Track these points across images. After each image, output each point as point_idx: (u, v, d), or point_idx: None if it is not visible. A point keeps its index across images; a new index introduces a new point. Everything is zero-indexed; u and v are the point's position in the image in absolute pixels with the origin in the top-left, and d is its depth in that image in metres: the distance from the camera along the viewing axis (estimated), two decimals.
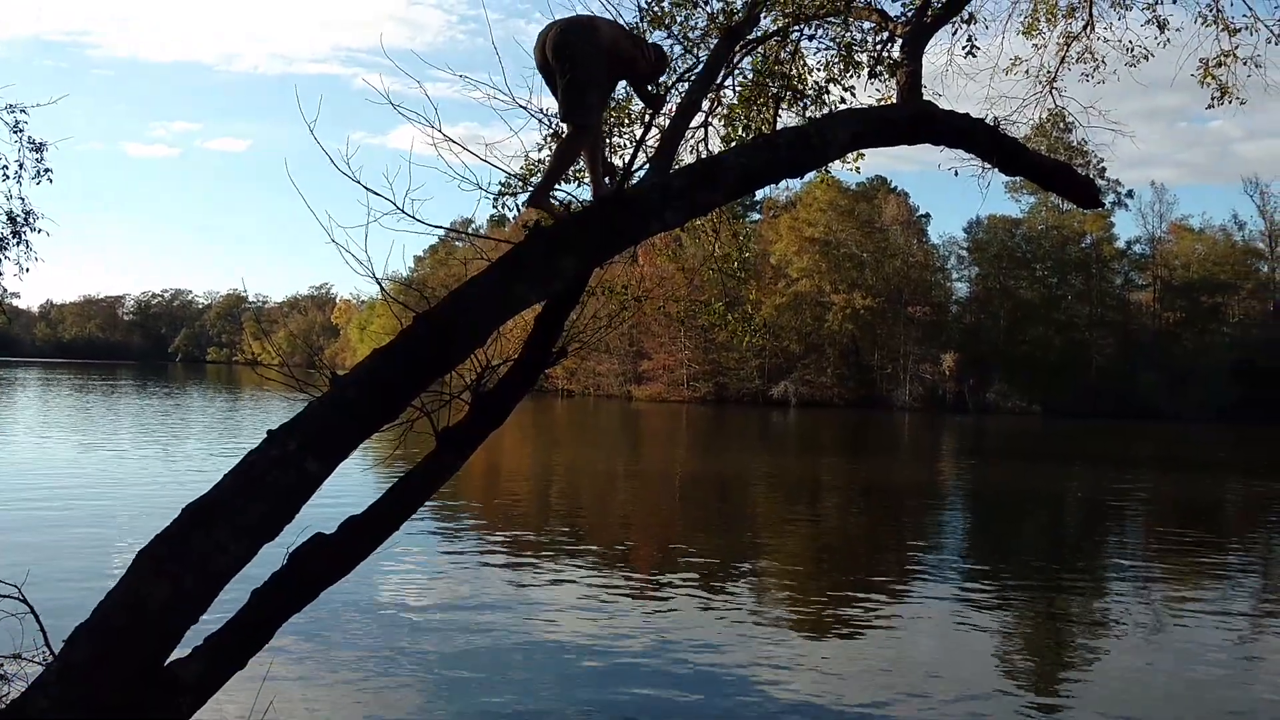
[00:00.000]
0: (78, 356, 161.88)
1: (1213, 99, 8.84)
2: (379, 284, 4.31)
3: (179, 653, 3.22)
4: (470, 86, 4.97)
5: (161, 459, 24.67)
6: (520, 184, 6.09)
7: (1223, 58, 8.67)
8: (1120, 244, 78.54)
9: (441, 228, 4.77)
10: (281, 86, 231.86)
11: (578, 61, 4.31)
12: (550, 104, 5.11)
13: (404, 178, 4.25)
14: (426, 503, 4.23)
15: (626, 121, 6.20)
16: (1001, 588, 13.50)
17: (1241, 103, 8.79)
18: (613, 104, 6.16)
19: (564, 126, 4.62)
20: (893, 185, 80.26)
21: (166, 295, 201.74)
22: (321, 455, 3.44)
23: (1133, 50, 8.90)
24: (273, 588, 3.44)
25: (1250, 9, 8.21)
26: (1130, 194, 78.76)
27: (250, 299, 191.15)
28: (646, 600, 11.78)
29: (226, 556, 3.24)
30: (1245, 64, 8.54)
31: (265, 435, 3.44)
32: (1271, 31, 8.11)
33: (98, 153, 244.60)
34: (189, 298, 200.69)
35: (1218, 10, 8.38)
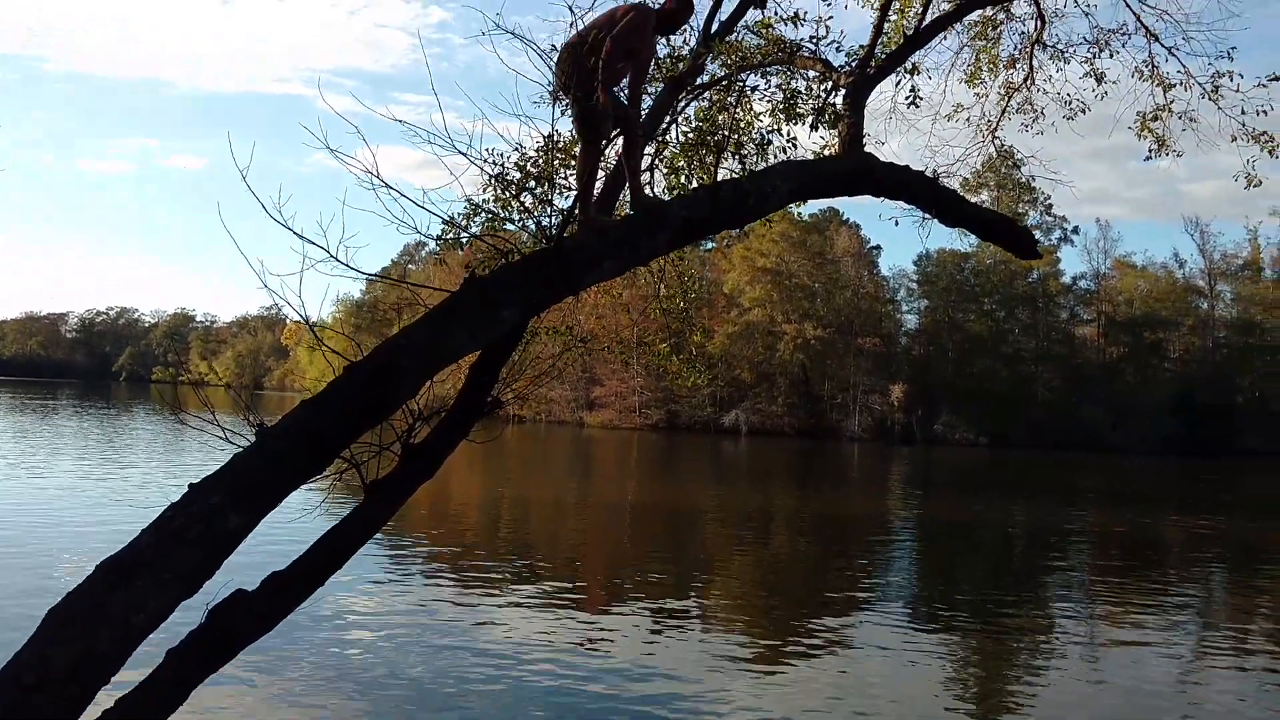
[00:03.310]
0: (17, 374, 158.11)
1: (1150, 151, 9.07)
2: (312, 331, 4.25)
3: (92, 712, 3.13)
4: (440, 105, 4.96)
5: (95, 483, 24.11)
6: (463, 224, 6.07)
7: (1159, 111, 8.90)
8: (1066, 279, 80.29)
9: (375, 275, 4.74)
10: (243, 105, 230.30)
11: (571, 83, 4.67)
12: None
13: (368, 200, 4.25)
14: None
15: (568, 166, 6.19)
16: (948, 618, 13.62)
17: (1178, 155, 9.02)
18: (558, 144, 6.18)
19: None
20: (844, 217, 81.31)
21: (112, 313, 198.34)
22: (245, 509, 3.37)
23: (1070, 103, 9.11)
24: (190, 646, 3.36)
25: (1183, 66, 8.43)
26: (1076, 230, 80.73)
27: (199, 318, 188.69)
28: (596, 630, 11.72)
29: (142, 615, 3.16)
30: (1180, 118, 8.77)
31: (186, 488, 3.38)
32: (1204, 88, 8.33)
33: (49, 167, 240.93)
34: (135, 316, 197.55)
35: (1153, 66, 8.61)
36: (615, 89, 4.94)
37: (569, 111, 5.21)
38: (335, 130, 4.32)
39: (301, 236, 3.96)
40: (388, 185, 4.24)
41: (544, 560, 17.06)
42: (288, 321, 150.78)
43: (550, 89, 5.01)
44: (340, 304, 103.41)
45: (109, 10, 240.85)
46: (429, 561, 16.10)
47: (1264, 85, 8.10)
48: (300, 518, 4.65)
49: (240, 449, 3.53)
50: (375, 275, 4.84)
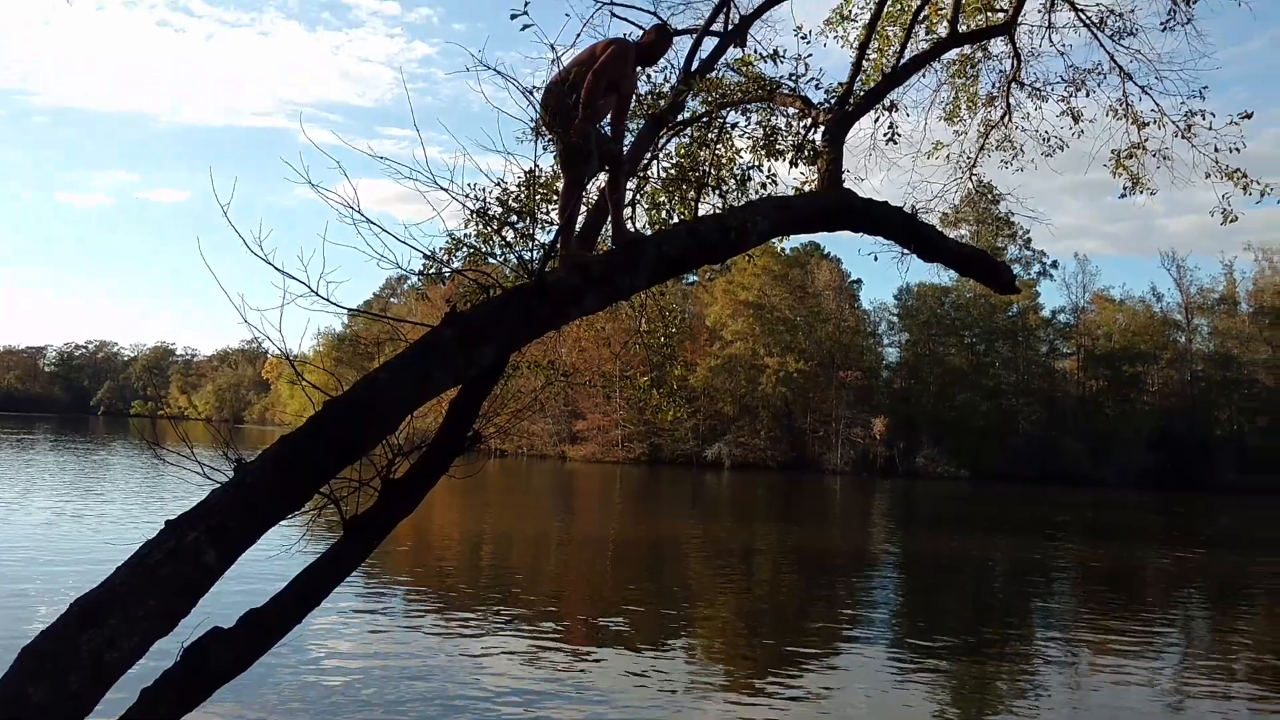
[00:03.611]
0: None
1: (1125, 189, 9.19)
2: (292, 365, 4.24)
3: None
4: (422, 141, 4.99)
5: (71, 519, 23.84)
6: (445, 258, 6.08)
7: (1133, 149, 9.03)
8: (1045, 313, 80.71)
9: (356, 310, 4.73)
10: (225, 138, 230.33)
11: (555, 122, 4.76)
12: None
13: (350, 234, 4.25)
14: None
15: (550, 201, 6.22)
16: (931, 651, 13.57)
17: (1152, 193, 9.15)
18: (539, 179, 6.21)
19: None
20: (825, 252, 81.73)
21: (90, 347, 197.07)
22: (221, 546, 3.35)
23: (1049, 140, 9.24)
24: (164, 685, 3.32)
25: (1157, 104, 8.57)
26: (1055, 265, 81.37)
27: (179, 352, 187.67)
28: (578, 666, 11.65)
29: (116, 654, 3.12)
30: (1155, 156, 8.91)
31: (163, 524, 3.35)
32: (1177, 126, 8.47)
33: (28, 201, 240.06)
34: (114, 349, 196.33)
35: (1127, 104, 8.75)
36: (599, 125, 4.99)
37: (551, 147, 5.27)
38: (319, 164, 4.34)
39: (282, 271, 3.96)
40: (368, 220, 4.26)
41: (525, 595, 16.94)
42: (269, 355, 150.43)
43: (532, 125, 5.06)
44: (322, 338, 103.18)
45: (92, 44, 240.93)
46: (409, 598, 15.96)
47: (1236, 123, 8.24)
48: (279, 554, 4.62)
49: (218, 484, 3.51)
50: (356, 310, 4.85)
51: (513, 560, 22.29)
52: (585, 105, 4.70)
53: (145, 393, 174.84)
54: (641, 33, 5.34)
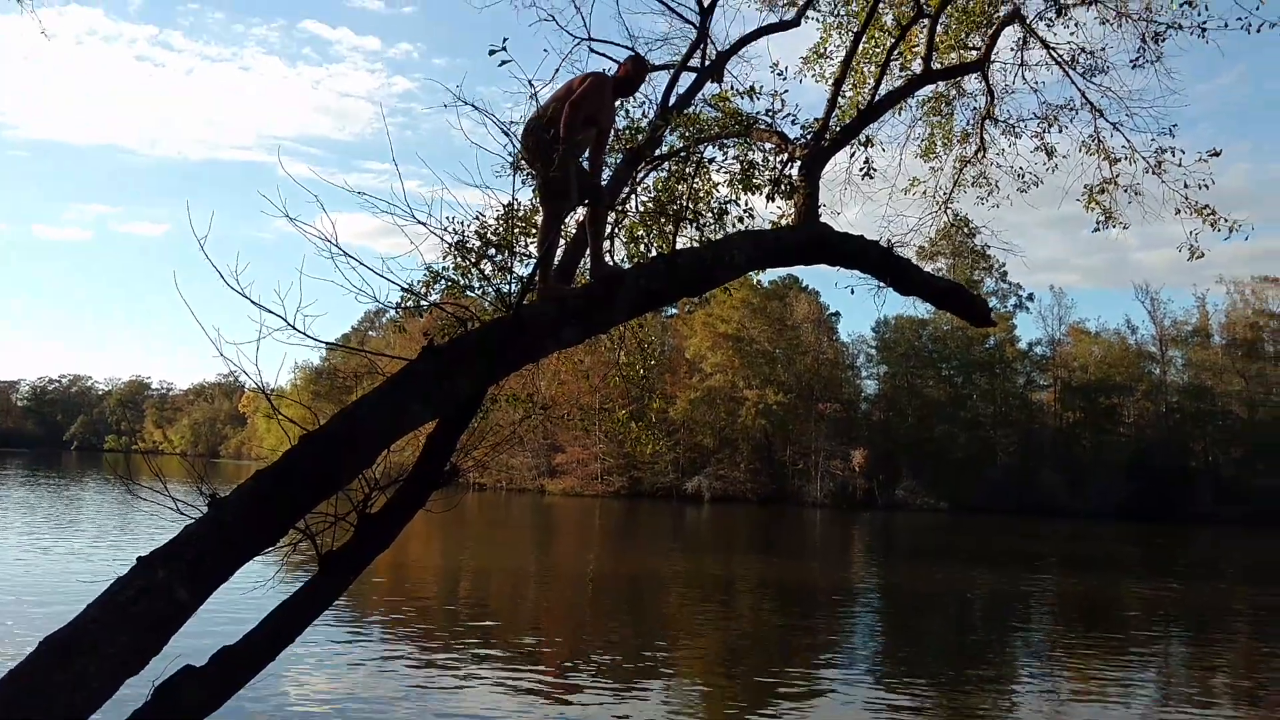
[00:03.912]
0: None
1: (1098, 223, 9.31)
2: (268, 399, 4.22)
3: None
4: (400, 175, 5.01)
5: (42, 555, 23.50)
6: (423, 291, 6.07)
7: (1105, 184, 9.16)
8: (1022, 345, 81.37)
9: (332, 344, 4.71)
10: (205, 172, 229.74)
11: (536, 154, 4.83)
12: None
13: (328, 268, 4.24)
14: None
15: (528, 234, 6.24)
16: (910, 684, 13.52)
17: (1125, 227, 9.27)
18: (518, 213, 6.23)
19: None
20: (804, 284, 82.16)
21: (64, 381, 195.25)
22: (194, 583, 3.31)
23: (1023, 176, 9.37)
24: None
25: (1128, 141, 8.71)
26: (1031, 297, 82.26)
27: (154, 386, 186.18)
28: (557, 702, 11.53)
29: (85, 693, 3.08)
30: (1126, 191, 9.03)
31: (135, 561, 3.31)
32: (1148, 162, 8.60)
33: (4, 234, 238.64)
34: (88, 383, 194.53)
35: (1098, 141, 8.88)
36: (580, 159, 5.02)
37: (530, 181, 5.29)
38: (299, 198, 4.34)
39: (258, 305, 3.95)
40: (346, 253, 4.26)
41: (504, 631, 16.79)
42: (245, 389, 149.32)
43: (511, 159, 5.09)
44: (299, 371, 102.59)
45: (71, 78, 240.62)
46: (385, 634, 15.79)
47: (1204, 160, 8.37)
48: (253, 590, 4.57)
49: (192, 520, 3.48)
50: (332, 344, 4.83)
51: (491, 595, 22.12)
52: (564, 137, 4.73)
53: (119, 427, 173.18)
54: (618, 67, 5.40)
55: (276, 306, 4.00)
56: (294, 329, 4.01)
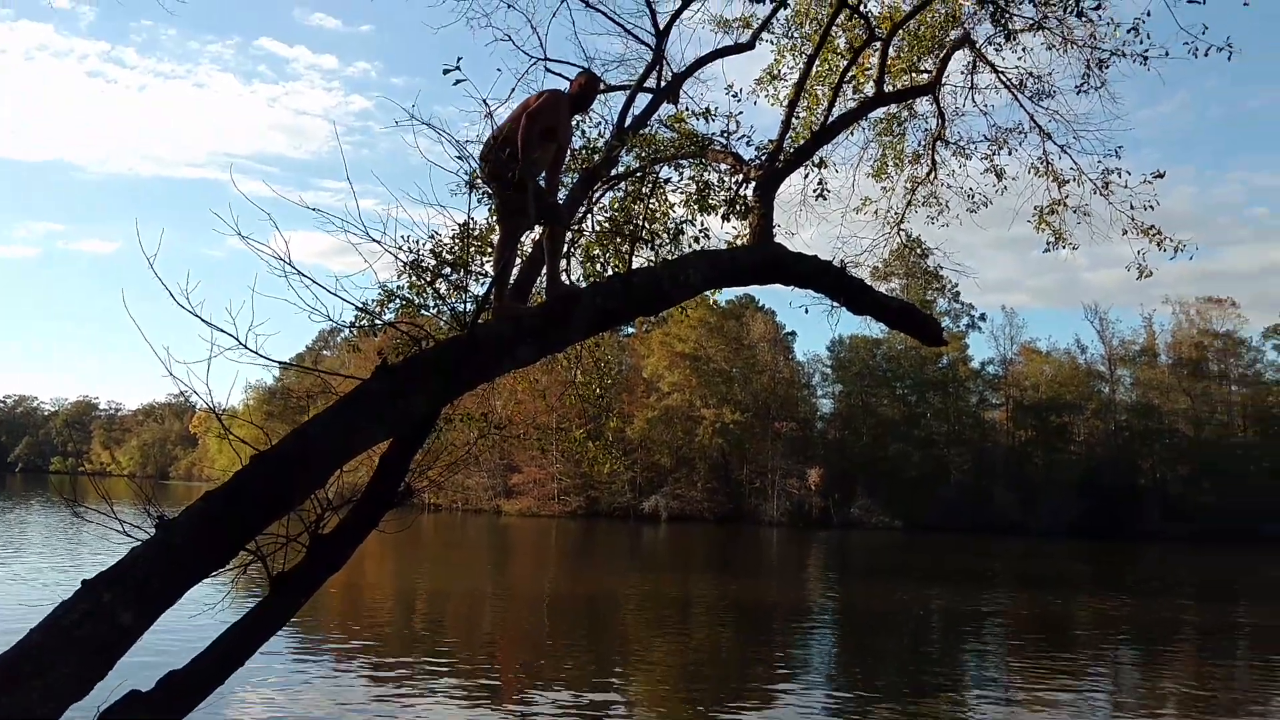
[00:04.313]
0: None
1: (1048, 244, 9.48)
2: (218, 419, 4.17)
3: None
4: (355, 194, 4.98)
5: None
6: (377, 310, 6.03)
7: (1054, 205, 9.34)
8: (975, 365, 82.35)
9: (283, 363, 4.67)
10: (157, 189, 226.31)
11: (495, 171, 4.82)
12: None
13: (282, 286, 4.20)
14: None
15: (484, 253, 6.23)
16: (866, 701, 13.59)
17: (1074, 248, 9.45)
18: (473, 231, 6.22)
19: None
20: (760, 304, 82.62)
21: (9, 401, 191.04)
22: (139, 606, 3.26)
23: (973, 197, 9.52)
24: None
25: (1075, 163, 8.89)
26: (983, 317, 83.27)
27: (102, 406, 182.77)
28: None
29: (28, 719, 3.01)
30: (1075, 212, 9.21)
31: (80, 584, 3.25)
32: (1095, 184, 8.78)
33: None
34: (34, 404, 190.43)
35: (1047, 163, 9.06)
36: (537, 178, 5.03)
37: (485, 200, 5.29)
38: (253, 216, 4.30)
39: (209, 323, 3.91)
40: (299, 271, 4.23)
41: (459, 653, 16.64)
42: (197, 409, 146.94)
43: (466, 177, 5.09)
44: (252, 391, 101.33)
45: (20, 94, 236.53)
46: (339, 656, 15.57)
47: (1149, 182, 8.57)
48: (202, 613, 4.49)
49: (139, 542, 3.42)
50: (284, 362, 4.79)
51: (446, 616, 21.91)
52: (522, 149, 4.73)
53: (66, 449, 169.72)
54: (570, 83, 5.42)
55: (228, 325, 3.97)
56: (246, 348, 3.97)
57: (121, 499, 4.09)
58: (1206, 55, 7.60)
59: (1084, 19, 8.04)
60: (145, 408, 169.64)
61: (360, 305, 4.89)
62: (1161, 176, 8.54)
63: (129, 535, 3.54)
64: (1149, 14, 7.84)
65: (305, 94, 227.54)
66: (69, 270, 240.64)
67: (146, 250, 3.93)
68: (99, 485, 4.48)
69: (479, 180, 5.15)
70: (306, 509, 3.90)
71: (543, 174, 5.15)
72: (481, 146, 5.07)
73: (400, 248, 5.20)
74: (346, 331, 5.85)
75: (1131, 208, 8.71)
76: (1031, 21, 8.39)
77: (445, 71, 4.86)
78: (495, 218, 5.38)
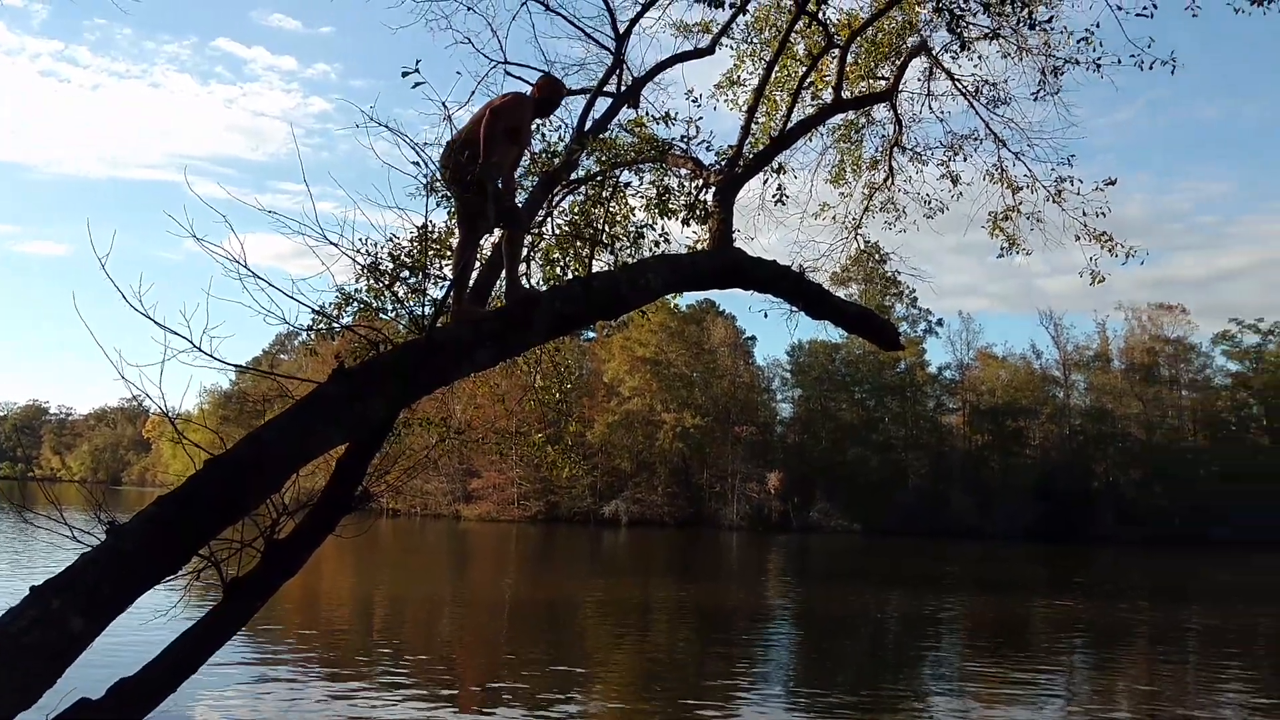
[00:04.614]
0: None
1: (1002, 249, 9.61)
2: (172, 423, 4.11)
3: None
4: (312, 196, 4.93)
5: None
6: (335, 314, 5.98)
7: (1009, 212, 9.47)
8: (932, 369, 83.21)
9: (238, 366, 4.62)
10: (111, 191, 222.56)
11: (456, 174, 4.81)
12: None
13: (237, 289, 4.15)
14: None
15: (443, 256, 6.20)
16: (826, 705, 13.66)
17: (1028, 253, 9.59)
18: (432, 235, 6.19)
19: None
20: (720, 309, 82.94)
21: None
22: (90, 613, 3.20)
23: (929, 202, 9.63)
24: None
25: (1029, 170, 9.02)
26: (940, 322, 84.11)
27: (52, 411, 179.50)
28: None
29: None
30: (1028, 219, 9.35)
31: (28, 591, 3.19)
32: (1048, 190, 8.92)
33: None
34: None
35: (1002, 170, 9.19)
36: (498, 182, 5.01)
37: (444, 204, 5.27)
38: (209, 219, 4.25)
39: (162, 326, 3.86)
40: (255, 274, 4.18)
41: (418, 658, 16.52)
42: (150, 414, 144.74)
43: (425, 180, 5.06)
44: (207, 395, 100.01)
45: None
46: (295, 663, 15.40)
47: (1101, 189, 8.72)
48: (154, 619, 4.43)
49: (90, 548, 3.37)
50: (241, 366, 4.73)
51: (405, 622, 21.75)
52: (484, 145, 4.71)
53: (15, 454, 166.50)
54: (532, 88, 5.41)
55: (182, 328, 3.92)
56: (200, 351, 3.92)
57: (72, 505, 4.02)
58: (1152, 69, 7.76)
59: (1037, 29, 8.17)
60: (97, 412, 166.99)
61: (317, 308, 4.85)
62: (1113, 184, 8.70)
63: (79, 541, 3.48)
64: (1099, 25, 7.99)
65: (263, 95, 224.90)
66: (19, 272, 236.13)
67: (98, 252, 3.88)
68: (49, 491, 4.40)
69: (438, 183, 5.13)
70: (262, 514, 3.86)
71: (501, 177, 5.13)
72: (441, 149, 5.05)
73: (359, 250, 5.17)
74: (304, 335, 5.80)
75: (1084, 214, 8.86)
76: (987, 30, 8.51)
77: (404, 74, 4.84)
78: (454, 221, 5.35)
